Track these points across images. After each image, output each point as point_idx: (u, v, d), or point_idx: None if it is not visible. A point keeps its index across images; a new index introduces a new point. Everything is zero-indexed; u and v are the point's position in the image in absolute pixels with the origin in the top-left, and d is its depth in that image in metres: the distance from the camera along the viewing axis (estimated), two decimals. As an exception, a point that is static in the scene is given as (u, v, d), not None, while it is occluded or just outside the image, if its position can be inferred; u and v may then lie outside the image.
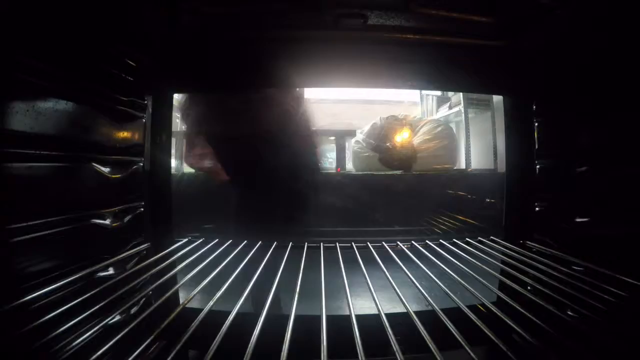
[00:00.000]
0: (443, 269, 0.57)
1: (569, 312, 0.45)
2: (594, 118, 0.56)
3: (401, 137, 2.25)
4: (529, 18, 0.57)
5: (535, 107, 0.70)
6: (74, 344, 0.40)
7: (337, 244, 0.68)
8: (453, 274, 0.55)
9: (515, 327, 0.39)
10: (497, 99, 2.48)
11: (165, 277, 0.53)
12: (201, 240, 0.71)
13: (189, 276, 0.54)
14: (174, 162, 2.59)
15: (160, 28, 0.59)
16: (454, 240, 0.72)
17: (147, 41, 0.62)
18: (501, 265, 0.58)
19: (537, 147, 0.70)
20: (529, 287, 0.53)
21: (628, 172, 0.50)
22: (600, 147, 0.56)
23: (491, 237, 0.74)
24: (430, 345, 0.33)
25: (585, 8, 0.52)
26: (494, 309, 0.43)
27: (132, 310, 0.53)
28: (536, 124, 0.70)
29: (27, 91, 0.41)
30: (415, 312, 0.41)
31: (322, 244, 0.68)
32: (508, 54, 0.69)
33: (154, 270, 0.56)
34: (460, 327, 0.37)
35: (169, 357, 0.32)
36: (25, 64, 0.40)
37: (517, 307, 0.44)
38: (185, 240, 0.70)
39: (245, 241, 0.71)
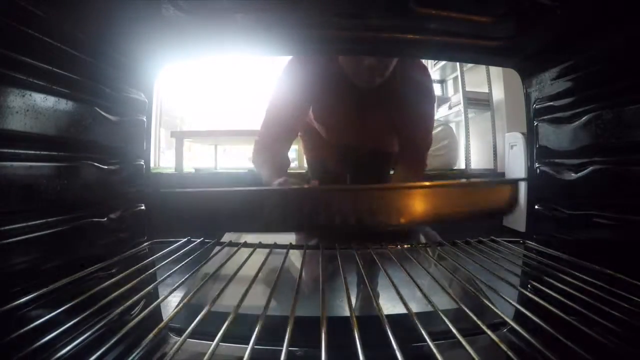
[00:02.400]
0: (442, 268, 0.57)
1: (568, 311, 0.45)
2: (595, 118, 0.56)
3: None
4: (530, 18, 0.57)
5: (536, 107, 0.70)
6: (72, 344, 0.40)
7: (337, 244, 0.68)
8: (451, 272, 0.55)
9: (513, 325, 0.39)
10: (497, 99, 2.49)
11: (165, 276, 0.53)
12: (201, 239, 0.71)
13: (188, 275, 0.54)
14: (174, 162, 2.58)
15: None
16: (454, 240, 0.72)
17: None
18: (499, 264, 0.58)
19: (537, 147, 0.71)
20: (529, 286, 0.53)
21: (633, 170, 0.50)
22: (603, 147, 0.56)
23: (491, 237, 0.74)
24: (428, 340, 0.34)
25: (586, 8, 0.52)
26: (492, 307, 0.43)
27: (133, 311, 0.53)
28: (536, 124, 0.70)
29: (24, 89, 0.41)
30: (416, 313, 0.41)
31: (320, 245, 0.68)
32: (509, 54, 0.69)
33: (153, 270, 0.56)
34: (459, 327, 0.37)
35: (169, 356, 0.32)
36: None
37: (518, 307, 0.44)
38: (184, 239, 0.70)
39: (245, 241, 0.71)
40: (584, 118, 0.58)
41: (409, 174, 1.08)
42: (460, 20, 0.59)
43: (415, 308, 0.43)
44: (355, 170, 1.23)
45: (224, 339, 0.35)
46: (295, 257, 0.86)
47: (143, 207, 0.67)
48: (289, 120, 0.98)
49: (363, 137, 1.07)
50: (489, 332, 0.38)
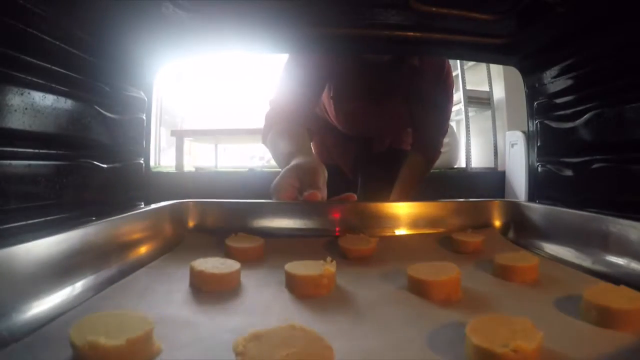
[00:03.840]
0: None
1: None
2: (596, 116, 0.56)
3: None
4: (531, 16, 0.57)
5: (537, 105, 0.70)
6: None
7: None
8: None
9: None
10: (498, 97, 2.48)
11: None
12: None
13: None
14: (174, 161, 2.58)
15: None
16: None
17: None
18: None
19: (538, 145, 0.70)
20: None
21: (635, 169, 0.49)
22: (605, 145, 0.56)
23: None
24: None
25: (587, 6, 0.52)
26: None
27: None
28: (537, 123, 0.70)
29: (22, 87, 0.41)
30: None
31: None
32: (510, 52, 0.69)
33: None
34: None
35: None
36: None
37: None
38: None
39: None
40: (585, 116, 0.58)
41: (422, 160, 1.06)
42: (462, 17, 0.59)
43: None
44: (369, 171, 1.20)
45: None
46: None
47: (143, 206, 0.67)
48: (307, 89, 0.87)
49: (380, 125, 1.05)
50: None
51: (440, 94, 0.98)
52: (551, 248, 0.52)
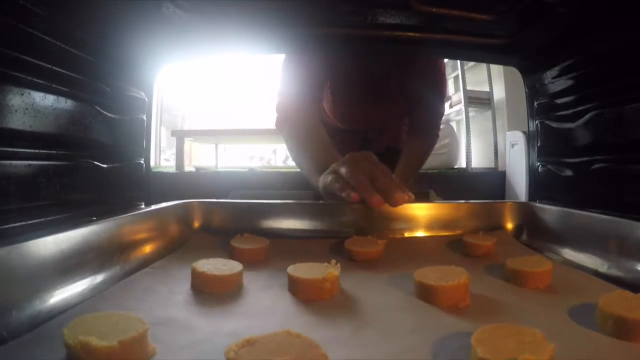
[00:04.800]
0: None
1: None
2: (596, 116, 0.56)
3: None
4: (532, 16, 0.57)
5: (537, 105, 0.70)
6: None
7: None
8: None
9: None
10: (498, 97, 2.48)
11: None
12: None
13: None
14: (174, 161, 2.57)
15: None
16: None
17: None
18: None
19: (538, 145, 0.70)
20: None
21: (635, 169, 0.49)
22: (605, 145, 0.55)
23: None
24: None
25: (587, 6, 0.52)
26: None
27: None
28: (537, 123, 0.70)
29: (23, 87, 0.41)
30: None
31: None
32: (510, 52, 0.69)
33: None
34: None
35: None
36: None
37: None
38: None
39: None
40: (585, 116, 0.58)
41: (420, 145, 1.06)
42: (462, 17, 0.59)
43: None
44: None
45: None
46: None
47: (143, 206, 0.67)
48: (311, 87, 0.88)
49: (377, 116, 1.06)
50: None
51: (433, 76, 1.00)
52: (566, 252, 0.50)
